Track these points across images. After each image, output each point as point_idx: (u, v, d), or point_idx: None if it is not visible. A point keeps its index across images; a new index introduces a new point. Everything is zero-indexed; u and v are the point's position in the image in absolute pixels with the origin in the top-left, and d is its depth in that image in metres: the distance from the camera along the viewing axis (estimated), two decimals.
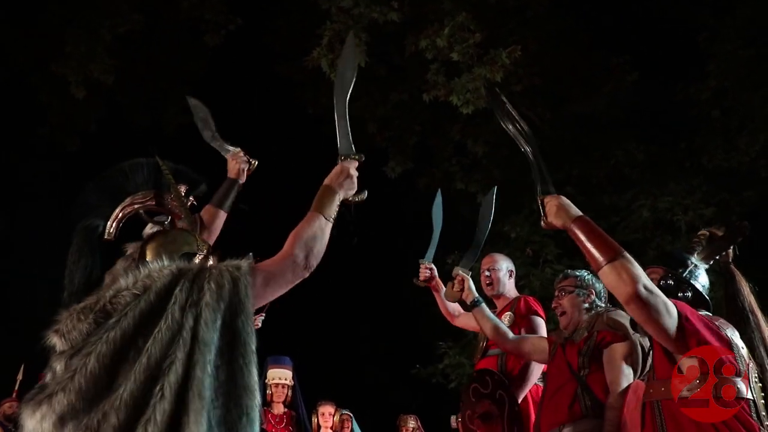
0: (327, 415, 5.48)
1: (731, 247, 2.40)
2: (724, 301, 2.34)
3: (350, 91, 2.23)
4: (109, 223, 2.10)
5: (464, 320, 4.22)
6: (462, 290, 3.68)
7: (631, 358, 2.86)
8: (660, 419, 2.11)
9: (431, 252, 4.13)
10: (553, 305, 3.27)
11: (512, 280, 3.98)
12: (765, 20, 7.60)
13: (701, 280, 2.40)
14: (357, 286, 11.33)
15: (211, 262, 1.90)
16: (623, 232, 8.10)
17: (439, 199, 4.23)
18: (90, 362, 1.55)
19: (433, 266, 4.11)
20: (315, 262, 1.88)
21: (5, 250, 9.29)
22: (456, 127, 9.19)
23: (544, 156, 2.30)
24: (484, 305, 3.56)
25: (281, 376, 5.29)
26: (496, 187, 4.09)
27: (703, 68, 8.04)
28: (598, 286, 3.17)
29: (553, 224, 2.18)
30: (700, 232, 2.49)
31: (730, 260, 2.39)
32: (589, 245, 2.06)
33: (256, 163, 2.75)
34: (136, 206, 2.12)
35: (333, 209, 1.98)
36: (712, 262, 2.44)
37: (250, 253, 2.12)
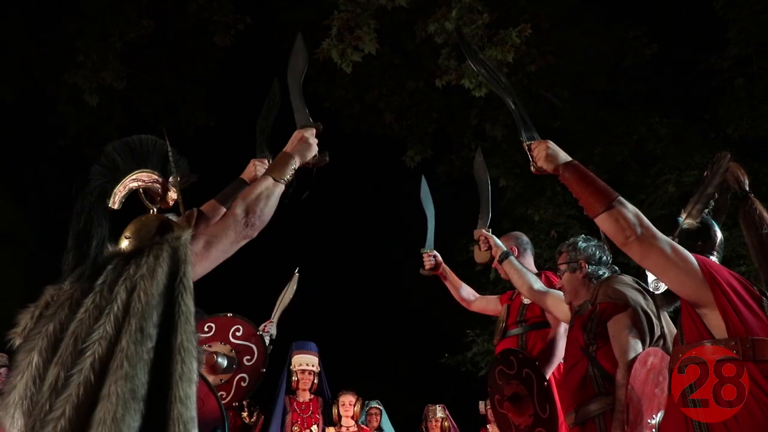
0: (348, 404, 5.34)
1: (743, 178, 2.13)
2: (744, 235, 2.09)
3: (302, 77, 2.39)
4: (117, 191, 1.93)
5: (481, 304, 4.19)
6: (489, 248, 3.66)
7: (636, 328, 2.67)
8: None
9: (430, 239, 4.09)
10: (557, 286, 3.22)
11: (524, 258, 3.88)
12: None
13: (709, 235, 2.23)
14: (383, 276, 11.31)
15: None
16: (649, 208, 7.87)
17: (425, 185, 4.21)
18: (33, 359, 1.53)
19: (436, 253, 4.07)
20: (258, 221, 1.88)
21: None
22: (473, 111, 9.07)
23: (565, 135, 2.25)
24: (512, 257, 3.55)
25: (308, 362, 5.15)
26: (479, 147, 4.08)
27: (724, 35, 7.82)
28: (588, 251, 3.02)
29: (544, 169, 2.19)
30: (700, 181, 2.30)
31: (744, 188, 2.13)
32: (583, 193, 2.07)
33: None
34: (139, 184, 1.98)
35: (285, 172, 2.02)
36: (707, 210, 2.24)
37: (194, 208, 2.10)
